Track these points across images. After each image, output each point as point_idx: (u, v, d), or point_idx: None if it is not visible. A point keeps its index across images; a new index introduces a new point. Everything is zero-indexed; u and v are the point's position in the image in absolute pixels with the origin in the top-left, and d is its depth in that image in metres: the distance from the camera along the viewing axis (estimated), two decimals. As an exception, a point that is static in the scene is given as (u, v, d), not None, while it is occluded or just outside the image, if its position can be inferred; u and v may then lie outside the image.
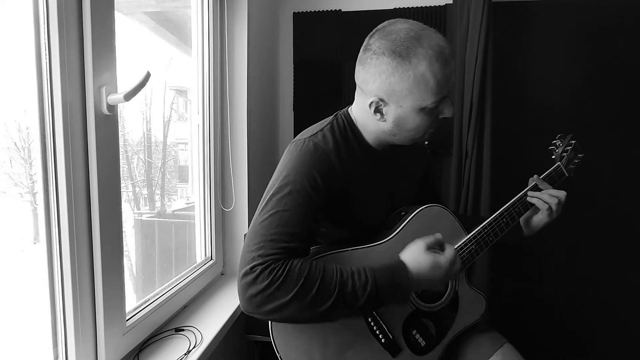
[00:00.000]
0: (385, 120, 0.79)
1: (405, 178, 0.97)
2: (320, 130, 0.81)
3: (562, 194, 0.93)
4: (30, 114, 0.72)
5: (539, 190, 0.97)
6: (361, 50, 0.78)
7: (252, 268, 0.68)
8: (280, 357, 0.79)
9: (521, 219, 1.00)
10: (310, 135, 0.80)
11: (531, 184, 0.99)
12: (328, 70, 1.79)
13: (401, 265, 0.75)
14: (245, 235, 1.27)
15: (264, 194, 0.77)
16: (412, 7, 1.70)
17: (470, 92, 1.51)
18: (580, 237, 1.66)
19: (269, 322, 0.79)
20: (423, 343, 0.86)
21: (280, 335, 0.79)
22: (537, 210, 0.97)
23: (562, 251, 1.68)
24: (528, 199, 0.96)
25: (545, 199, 0.93)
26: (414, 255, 0.77)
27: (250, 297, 0.68)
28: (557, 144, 1.04)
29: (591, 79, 1.61)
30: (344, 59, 1.77)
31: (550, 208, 0.93)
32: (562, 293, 1.70)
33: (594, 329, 1.69)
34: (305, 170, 0.75)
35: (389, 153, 0.90)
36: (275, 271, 0.67)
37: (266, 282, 0.67)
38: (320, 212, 0.77)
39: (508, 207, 0.95)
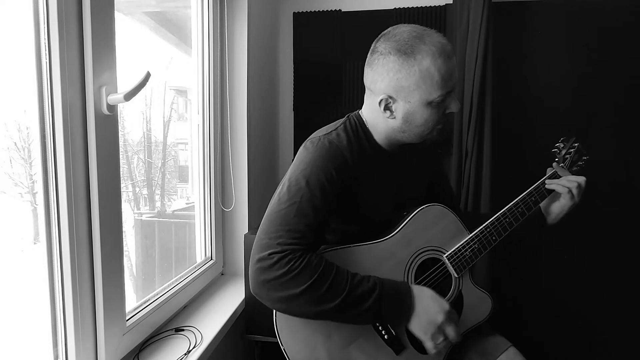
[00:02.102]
0: (394, 118, 0.83)
1: (413, 179, 0.98)
2: (335, 130, 0.86)
3: (581, 178, 0.95)
4: (30, 114, 0.72)
5: (557, 178, 0.99)
6: (369, 54, 0.83)
7: (270, 254, 0.71)
8: (283, 348, 0.80)
9: (542, 208, 1.01)
10: (325, 134, 0.85)
11: (549, 172, 1.00)
12: (328, 70, 1.79)
13: (406, 285, 0.80)
14: (245, 235, 1.28)
15: (280, 185, 0.81)
16: (412, 7, 1.70)
17: (470, 92, 1.51)
18: (582, 238, 1.66)
19: (274, 316, 0.81)
20: None
21: (284, 327, 0.80)
22: (555, 197, 0.99)
23: (564, 253, 1.68)
24: (547, 186, 0.98)
25: (564, 184, 0.95)
26: (419, 287, 0.81)
27: (263, 282, 0.71)
28: (560, 146, 1.05)
29: (591, 78, 1.61)
30: (344, 59, 1.77)
31: (570, 192, 0.95)
32: (564, 295, 1.70)
33: (597, 332, 1.69)
34: (321, 164, 0.79)
35: (398, 154, 0.93)
36: (293, 261, 0.70)
37: (283, 270, 0.70)
38: (334, 206, 0.80)
39: (511, 207, 0.95)
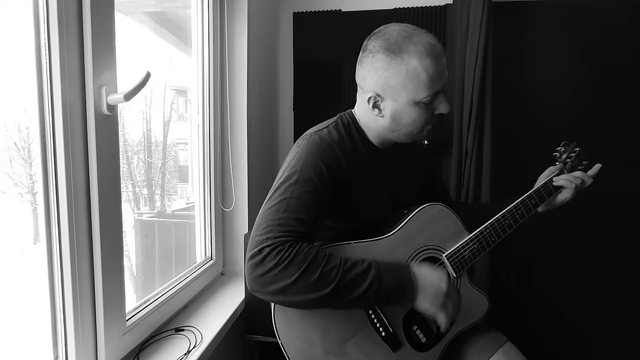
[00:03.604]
0: (383, 116, 0.84)
1: (407, 178, 0.99)
2: (326, 127, 0.87)
3: (586, 176, 1.00)
4: (30, 114, 0.72)
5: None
6: (360, 51, 0.84)
7: (260, 250, 0.71)
8: (281, 343, 0.80)
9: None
10: (317, 131, 0.86)
11: (551, 173, 1.03)
12: (328, 70, 1.79)
13: (406, 266, 0.79)
14: (245, 235, 1.28)
15: (273, 183, 0.81)
16: (412, 7, 1.70)
17: (470, 92, 1.51)
18: (582, 236, 1.66)
19: (272, 311, 0.81)
20: (424, 339, 0.86)
21: (282, 322, 0.80)
22: (557, 191, 1.02)
23: (564, 251, 1.68)
24: (554, 183, 1.01)
25: (571, 180, 0.99)
26: (420, 266, 0.80)
27: (257, 277, 0.71)
28: (561, 150, 1.06)
29: (591, 78, 1.61)
30: (344, 59, 1.77)
31: (576, 187, 0.99)
32: (562, 292, 1.70)
33: (595, 329, 1.69)
34: (311, 160, 0.79)
35: (391, 152, 0.93)
36: (282, 253, 0.70)
37: (273, 263, 0.69)
38: (325, 202, 0.80)
39: (511, 209, 0.96)
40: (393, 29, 0.80)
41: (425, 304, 0.76)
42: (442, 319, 0.77)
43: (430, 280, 0.77)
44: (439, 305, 0.77)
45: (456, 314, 0.79)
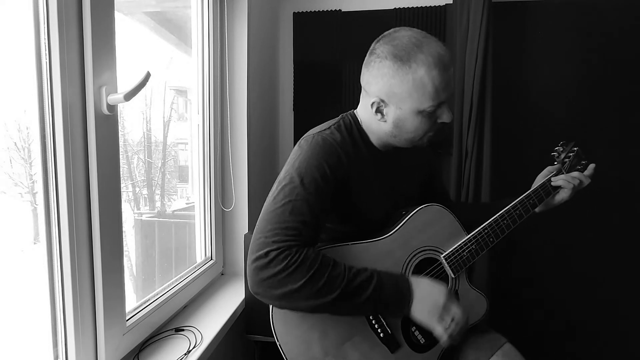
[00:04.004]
0: (385, 121, 0.84)
1: (407, 179, 0.99)
2: (328, 128, 0.87)
3: (584, 176, 0.99)
4: (30, 114, 0.72)
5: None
6: (367, 53, 0.83)
7: (266, 253, 0.71)
8: (279, 345, 0.80)
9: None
10: (319, 131, 0.85)
11: (550, 173, 1.02)
12: (328, 70, 1.79)
13: (402, 275, 0.80)
14: (245, 235, 1.28)
15: (275, 184, 0.81)
16: (412, 7, 1.70)
17: (470, 92, 1.51)
18: (581, 237, 1.66)
19: (270, 312, 0.81)
20: (422, 341, 0.86)
21: (280, 324, 0.80)
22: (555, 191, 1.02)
23: (562, 251, 1.68)
24: (552, 183, 1.00)
25: (569, 180, 0.99)
26: (420, 278, 0.81)
27: (261, 280, 0.71)
28: (560, 150, 1.05)
29: (591, 78, 1.61)
30: (344, 59, 1.77)
31: (574, 187, 0.98)
32: (562, 293, 1.70)
33: (595, 330, 1.69)
34: (315, 162, 0.79)
35: (392, 154, 0.93)
36: (289, 257, 0.70)
37: (280, 267, 0.70)
38: (328, 202, 0.80)
39: (509, 209, 0.95)
40: (403, 35, 0.78)
41: (422, 315, 0.77)
42: (438, 331, 0.77)
43: (427, 292, 0.77)
44: (436, 319, 0.77)
45: (458, 329, 0.78)
